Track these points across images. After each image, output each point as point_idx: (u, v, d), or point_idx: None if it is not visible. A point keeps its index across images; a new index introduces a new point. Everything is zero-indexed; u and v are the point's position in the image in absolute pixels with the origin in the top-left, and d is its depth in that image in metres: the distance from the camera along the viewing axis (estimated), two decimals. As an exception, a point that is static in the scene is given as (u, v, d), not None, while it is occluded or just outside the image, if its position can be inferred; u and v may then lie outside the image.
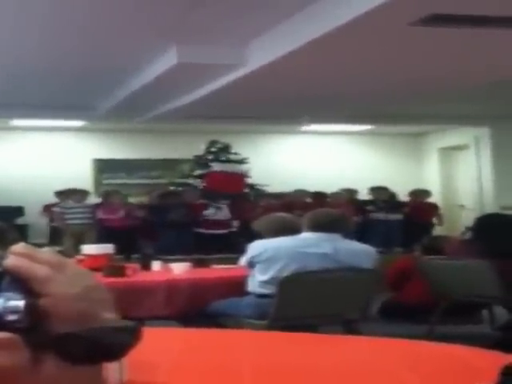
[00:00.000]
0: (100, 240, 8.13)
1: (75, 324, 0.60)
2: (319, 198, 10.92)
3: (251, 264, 4.00)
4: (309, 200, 10.91)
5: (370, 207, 11.26)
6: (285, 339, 2.52)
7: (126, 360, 1.79)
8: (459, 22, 4.96)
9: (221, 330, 2.85)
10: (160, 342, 2.37)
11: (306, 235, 4.01)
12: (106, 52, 6.70)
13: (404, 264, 4.57)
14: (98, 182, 12.47)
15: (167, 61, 6.77)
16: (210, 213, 10.33)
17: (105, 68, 7.41)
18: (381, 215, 11.13)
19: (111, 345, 0.60)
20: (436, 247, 4.68)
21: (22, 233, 9.96)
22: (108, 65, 7.25)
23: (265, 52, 6.28)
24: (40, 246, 0.71)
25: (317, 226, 4.00)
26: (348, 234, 4.43)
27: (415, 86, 7.86)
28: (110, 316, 0.63)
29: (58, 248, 5.61)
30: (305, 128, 12.15)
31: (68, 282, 0.62)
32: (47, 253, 0.63)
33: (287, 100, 8.77)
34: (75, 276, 0.63)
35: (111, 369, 1.77)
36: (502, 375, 0.77)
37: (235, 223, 10.40)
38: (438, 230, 11.22)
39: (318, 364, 2.05)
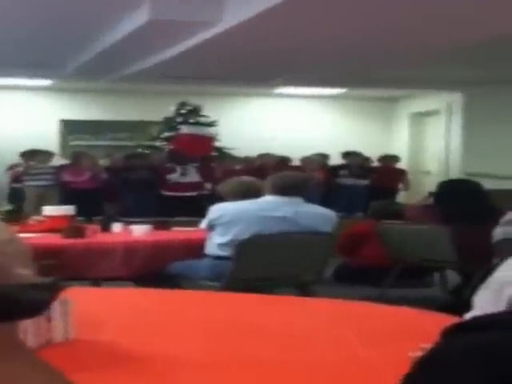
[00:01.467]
0: (63, 202, 8.06)
1: None
2: (284, 162, 10.90)
3: (211, 227, 4.01)
4: (276, 164, 10.86)
5: (342, 172, 11.28)
6: (237, 300, 2.55)
7: (72, 318, 1.80)
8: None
9: (174, 291, 2.86)
10: (110, 302, 2.38)
11: (267, 199, 4.03)
12: (74, 7, 6.54)
13: (357, 229, 4.61)
14: (64, 144, 12.33)
15: (138, 18, 6.63)
16: (175, 176, 10.26)
17: (73, 25, 7.22)
18: (350, 180, 11.17)
19: (26, 302, 0.59)
20: (385, 213, 4.72)
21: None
22: (76, 21, 7.07)
23: (240, 9, 6.17)
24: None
25: (278, 190, 4.02)
26: (313, 198, 4.46)
27: (388, 49, 7.81)
28: (25, 272, 0.61)
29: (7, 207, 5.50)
30: (277, 91, 12.07)
31: None
32: None
33: (260, 61, 8.67)
34: None
35: (57, 327, 1.78)
36: (442, 334, 0.77)
37: (207, 186, 10.33)
38: (402, 196, 11.30)
39: (267, 324, 2.08)
